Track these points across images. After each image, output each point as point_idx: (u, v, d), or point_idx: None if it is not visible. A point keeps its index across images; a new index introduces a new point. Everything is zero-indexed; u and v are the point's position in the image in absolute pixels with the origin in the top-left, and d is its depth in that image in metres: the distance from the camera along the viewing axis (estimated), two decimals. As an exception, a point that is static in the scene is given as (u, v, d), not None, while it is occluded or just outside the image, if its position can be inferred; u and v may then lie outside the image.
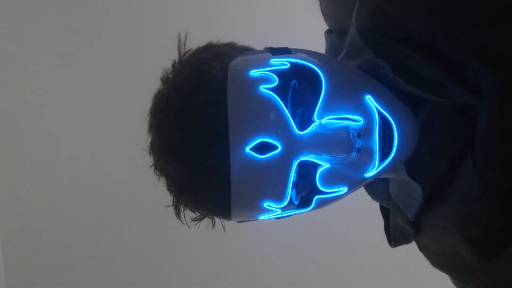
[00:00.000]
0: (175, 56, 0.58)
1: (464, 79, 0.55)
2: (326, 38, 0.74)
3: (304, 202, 0.58)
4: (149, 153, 0.61)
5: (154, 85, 0.58)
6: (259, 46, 0.63)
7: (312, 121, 0.55)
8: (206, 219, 0.61)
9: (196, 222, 0.61)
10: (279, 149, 0.53)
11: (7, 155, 1.58)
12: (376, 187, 0.69)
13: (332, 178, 0.56)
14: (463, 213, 0.58)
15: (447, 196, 0.59)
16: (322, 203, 0.58)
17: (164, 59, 0.57)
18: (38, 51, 1.58)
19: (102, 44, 1.60)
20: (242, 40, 0.61)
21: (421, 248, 0.69)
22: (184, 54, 0.60)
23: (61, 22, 1.57)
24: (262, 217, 0.59)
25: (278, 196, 0.55)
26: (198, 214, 0.61)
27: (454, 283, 0.68)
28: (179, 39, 0.61)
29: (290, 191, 0.55)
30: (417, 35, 0.57)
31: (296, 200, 0.57)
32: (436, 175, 0.60)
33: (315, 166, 0.56)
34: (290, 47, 0.60)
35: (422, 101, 0.59)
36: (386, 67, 0.59)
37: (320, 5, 0.72)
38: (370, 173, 0.57)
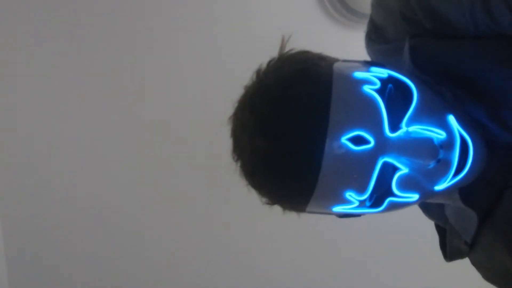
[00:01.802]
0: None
1: (503, 121, 0.62)
2: (371, 45, 0.77)
3: (376, 203, 0.61)
4: (232, 135, 0.64)
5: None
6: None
7: (399, 128, 0.59)
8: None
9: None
10: (371, 144, 0.57)
11: (8, 152, 1.58)
12: (432, 209, 0.73)
13: (407, 183, 0.60)
14: (509, 233, 0.63)
15: (496, 218, 0.65)
16: (392, 206, 0.61)
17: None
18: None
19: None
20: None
21: (474, 263, 0.73)
22: (284, 54, 0.64)
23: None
24: (337, 208, 0.61)
25: (361, 188, 0.59)
26: (268, 200, 0.63)
27: None
28: (283, 38, 0.65)
29: (372, 185, 0.59)
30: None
31: (369, 201, 0.60)
32: (488, 202, 0.65)
33: (394, 170, 0.60)
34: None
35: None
36: (449, 94, 0.64)
37: (372, 11, 0.75)
38: (441, 186, 0.61)
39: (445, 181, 0.60)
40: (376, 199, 0.61)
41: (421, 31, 0.66)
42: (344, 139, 0.57)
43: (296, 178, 0.59)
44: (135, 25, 1.59)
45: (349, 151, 0.57)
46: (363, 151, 0.57)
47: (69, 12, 1.57)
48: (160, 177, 1.63)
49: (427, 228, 1.69)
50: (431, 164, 0.59)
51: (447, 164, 0.59)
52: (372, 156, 0.58)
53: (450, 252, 0.74)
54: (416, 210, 1.78)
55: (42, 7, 1.55)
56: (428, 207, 0.72)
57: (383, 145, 0.58)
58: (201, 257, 1.67)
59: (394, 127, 0.59)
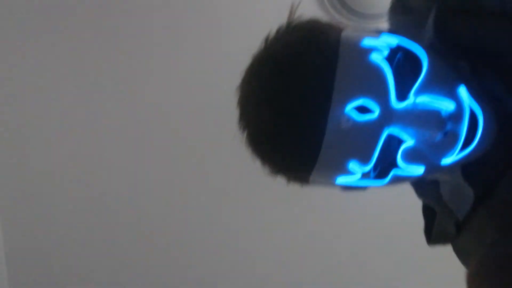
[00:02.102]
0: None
1: None
2: (393, 16, 0.77)
3: (380, 175, 0.60)
4: (238, 104, 0.64)
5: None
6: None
7: (407, 98, 0.58)
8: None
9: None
10: (376, 114, 0.57)
11: (7, 152, 1.58)
12: (425, 188, 0.71)
13: (413, 156, 0.59)
14: (502, 216, 0.62)
15: (493, 198, 0.63)
16: (397, 179, 0.61)
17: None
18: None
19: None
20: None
21: (457, 250, 0.72)
22: (292, 21, 0.63)
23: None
24: (341, 179, 0.61)
25: (364, 159, 0.58)
26: (272, 169, 0.63)
27: None
28: (292, 6, 0.64)
29: (376, 156, 0.58)
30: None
31: (373, 172, 0.60)
32: (489, 181, 0.64)
33: (399, 142, 0.59)
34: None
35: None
36: (466, 68, 0.62)
37: None
38: (448, 159, 0.59)
39: (452, 154, 0.59)
40: (380, 171, 0.60)
41: (446, 6, 0.65)
42: (348, 108, 0.56)
43: (299, 146, 0.58)
44: (135, 22, 1.60)
45: (353, 121, 0.57)
46: (368, 121, 0.57)
47: (70, 11, 1.57)
48: (160, 177, 1.63)
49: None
50: (438, 136, 0.58)
51: (454, 136, 0.58)
52: (377, 127, 0.57)
53: (435, 235, 0.72)
54: (416, 212, 1.79)
55: (42, 6, 1.55)
56: (421, 185, 0.70)
57: (388, 115, 0.57)
58: (201, 257, 1.68)
59: (402, 97, 0.58)
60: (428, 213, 0.74)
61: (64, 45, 1.58)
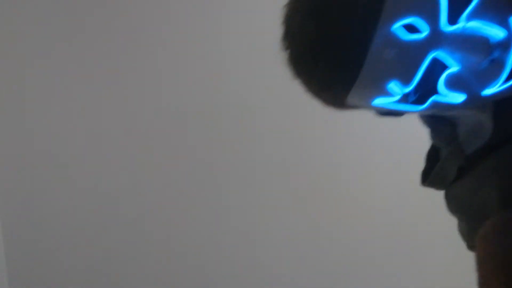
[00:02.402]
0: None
1: None
2: None
3: (419, 100, 0.60)
4: (283, 23, 0.63)
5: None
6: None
7: (457, 22, 0.57)
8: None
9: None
10: (424, 34, 0.56)
11: (8, 152, 1.58)
12: (442, 128, 0.71)
13: (456, 82, 0.58)
14: (510, 166, 0.62)
15: (508, 146, 0.62)
16: (436, 106, 0.60)
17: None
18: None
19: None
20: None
21: (448, 194, 0.72)
22: None
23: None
24: (378, 101, 0.60)
25: (406, 79, 0.57)
26: (312, 88, 0.62)
27: (461, 228, 0.71)
28: None
29: (419, 78, 0.57)
30: None
31: (413, 96, 0.59)
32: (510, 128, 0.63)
33: (443, 68, 0.58)
34: None
35: None
36: None
37: None
38: (491, 90, 0.58)
39: (495, 85, 0.58)
40: (420, 96, 0.60)
41: None
42: (397, 25, 0.56)
43: (342, 62, 0.58)
44: (135, 20, 1.60)
45: (400, 38, 0.56)
46: (415, 41, 0.56)
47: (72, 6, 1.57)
48: (160, 178, 1.64)
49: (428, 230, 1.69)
50: (484, 63, 0.57)
51: (500, 65, 0.57)
52: (423, 48, 0.56)
53: (433, 176, 0.71)
54: (417, 212, 1.78)
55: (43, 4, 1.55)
56: (439, 125, 0.70)
57: (437, 37, 0.56)
58: (201, 257, 1.68)
59: (452, 21, 0.57)
60: (432, 157, 0.74)
61: (64, 45, 1.58)
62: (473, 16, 0.57)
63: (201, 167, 1.65)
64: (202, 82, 1.63)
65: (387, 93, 0.59)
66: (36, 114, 1.61)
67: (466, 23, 0.57)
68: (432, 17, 0.56)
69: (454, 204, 0.71)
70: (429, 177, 0.72)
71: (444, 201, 0.73)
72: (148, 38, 1.62)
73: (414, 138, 1.74)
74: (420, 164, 1.84)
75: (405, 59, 0.57)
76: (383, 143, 1.72)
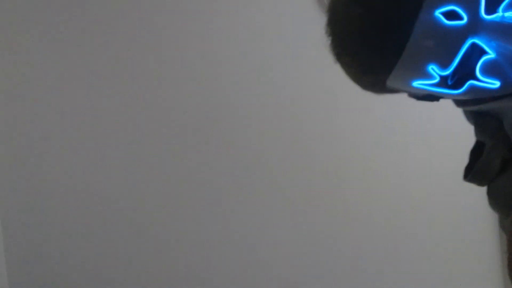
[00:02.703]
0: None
1: None
2: None
3: (456, 84, 0.62)
4: (328, 9, 0.66)
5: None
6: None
7: (496, 12, 0.60)
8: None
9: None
10: (464, 21, 0.59)
11: (7, 152, 1.58)
12: (487, 124, 0.73)
13: (492, 69, 0.61)
14: None
15: None
16: (472, 90, 0.62)
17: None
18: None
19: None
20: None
21: (492, 187, 0.73)
22: None
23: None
24: (417, 83, 0.63)
25: (445, 63, 0.61)
26: (353, 71, 0.66)
27: (503, 224, 0.73)
28: None
29: (457, 62, 0.60)
30: None
31: (451, 80, 0.62)
32: None
33: (481, 53, 0.61)
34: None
35: None
36: None
37: None
38: None
39: None
40: (458, 80, 0.62)
41: None
42: (438, 12, 0.59)
43: (385, 44, 0.61)
44: (136, 20, 1.60)
45: (441, 24, 0.59)
46: (455, 26, 0.59)
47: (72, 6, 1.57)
48: (161, 178, 1.63)
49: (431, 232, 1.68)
50: None
51: None
52: (463, 33, 0.59)
53: (476, 170, 0.73)
54: (419, 215, 1.77)
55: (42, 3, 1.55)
56: (484, 120, 0.72)
57: (475, 25, 0.59)
58: (202, 257, 1.68)
59: (491, 10, 0.60)
60: (476, 153, 0.76)
61: (63, 43, 1.58)
62: (510, 7, 0.60)
63: (201, 167, 1.64)
64: (202, 82, 1.62)
65: (426, 76, 0.62)
66: (36, 114, 1.60)
67: (504, 14, 0.60)
68: (472, 6, 0.59)
69: (497, 198, 0.72)
70: (472, 171, 0.74)
71: (487, 197, 0.74)
72: (148, 38, 1.62)
73: (414, 138, 1.75)
74: (420, 164, 1.84)
75: (444, 43, 0.60)
76: (383, 142, 1.72)
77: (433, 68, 0.61)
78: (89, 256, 1.63)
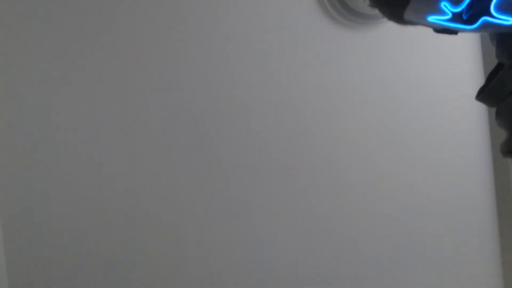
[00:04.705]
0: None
1: None
2: None
3: (470, 19, 0.64)
4: None
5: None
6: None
7: None
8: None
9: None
10: None
11: (8, 152, 1.58)
12: (507, 44, 0.74)
13: (506, 6, 0.62)
14: None
15: None
16: (486, 26, 0.64)
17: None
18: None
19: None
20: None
21: (501, 107, 0.75)
22: None
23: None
24: (432, 18, 0.65)
25: (456, 0, 0.62)
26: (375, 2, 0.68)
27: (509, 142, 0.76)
28: None
29: (468, 0, 0.62)
30: None
31: (465, 15, 0.63)
32: None
33: None
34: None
35: None
36: None
37: None
38: None
39: None
40: (472, 16, 0.63)
41: None
42: None
43: None
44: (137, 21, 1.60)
45: None
46: None
47: (69, 10, 1.57)
48: (161, 179, 1.63)
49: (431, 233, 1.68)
50: None
51: None
52: None
53: (490, 87, 0.75)
54: (421, 215, 1.76)
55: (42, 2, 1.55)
56: (504, 39, 0.73)
57: None
58: (203, 258, 1.68)
59: None
60: (492, 76, 0.78)
61: (63, 45, 1.58)
62: None
63: (201, 167, 1.64)
64: (202, 82, 1.62)
65: (440, 12, 0.64)
66: (37, 114, 1.60)
67: None
68: None
69: (507, 116, 0.74)
70: (485, 89, 0.76)
71: (495, 116, 0.76)
72: (148, 38, 1.62)
73: (414, 138, 1.75)
74: (420, 163, 1.83)
75: None
76: (384, 142, 1.72)
77: (445, 5, 0.63)
78: (90, 257, 1.63)
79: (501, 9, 0.62)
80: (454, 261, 1.79)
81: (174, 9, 1.62)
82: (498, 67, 0.77)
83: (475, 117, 1.77)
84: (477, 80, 1.75)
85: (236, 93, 1.63)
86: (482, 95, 0.76)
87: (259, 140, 1.66)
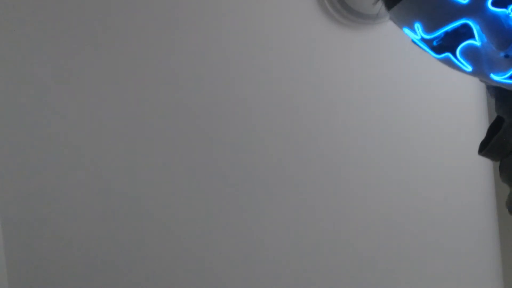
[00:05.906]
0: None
1: None
2: None
3: (438, 48, 0.65)
4: None
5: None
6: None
7: (504, 7, 0.59)
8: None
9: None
10: (466, 1, 0.59)
11: (7, 152, 1.58)
12: (507, 100, 0.74)
13: (471, 54, 0.62)
14: None
15: None
16: (447, 62, 0.65)
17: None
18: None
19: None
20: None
21: (505, 163, 0.75)
22: None
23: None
24: (406, 31, 0.67)
25: (429, 28, 0.62)
26: None
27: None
28: None
29: (441, 33, 0.61)
30: None
31: (436, 42, 0.64)
32: None
33: (469, 36, 0.62)
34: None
35: None
36: None
37: None
38: (496, 77, 0.63)
39: (502, 75, 0.62)
40: (440, 46, 0.64)
41: None
42: None
43: None
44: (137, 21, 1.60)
45: None
46: (455, 2, 0.59)
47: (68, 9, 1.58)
48: (162, 179, 1.63)
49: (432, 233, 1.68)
50: (500, 54, 0.60)
51: (510, 62, 0.60)
52: (459, 11, 0.59)
53: (492, 144, 0.75)
54: (421, 216, 1.77)
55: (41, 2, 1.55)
56: (503, 94, 0.73)
57: (475, 9, 0.59)
58: (202, 259, 1.68)
59: (500, 4, 0.59)
60: (493, 128, 0.78)
61: (63, 45, 1.59)
62: None
63: (201, 167, 1.64)
64: (201, 82, 1.63)
65: (412, 29, 0.64)
66: (37, 114, 1.60)
67: (510, 13, 0.59)
68: None
69: (510, 172, 0.74)
70: (487, 146, 0.75)
71: (499, 172, 0.76)
72: (147, 38, 1.62)
73: (414, 139, 1.75)
74: (420, 163, 1.83)
75: (438, 12, 0.61)
76: (384, 142, 1.72)
77: (418, 27, 0.63)
78: (90, 257, 1.63)
79: (466, 55, 0.62)
80: (454, 262, 1.79)
81: (174, 9, 1.62)
82: (498, 121, 0.77)
83: (475, 117, 1.77)
84: (477, 80, 1.74)
85: (236, 93, 1.64)
86: (485, 151, 0.76)
87: (258, 140, 1.66)
